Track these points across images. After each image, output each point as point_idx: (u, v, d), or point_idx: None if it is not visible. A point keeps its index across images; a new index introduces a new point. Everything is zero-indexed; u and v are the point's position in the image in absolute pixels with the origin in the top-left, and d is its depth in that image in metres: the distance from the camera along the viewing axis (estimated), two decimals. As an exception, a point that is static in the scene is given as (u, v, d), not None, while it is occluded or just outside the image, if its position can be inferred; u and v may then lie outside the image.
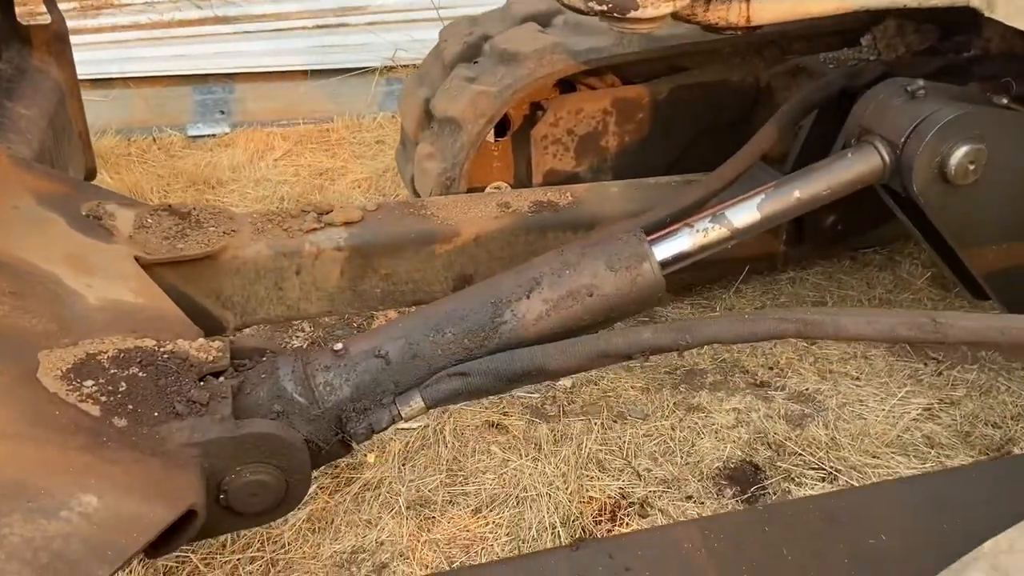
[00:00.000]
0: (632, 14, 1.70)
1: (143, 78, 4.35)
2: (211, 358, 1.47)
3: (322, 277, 2.02)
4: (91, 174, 2.65)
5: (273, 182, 3.62)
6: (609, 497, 2.00)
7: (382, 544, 1.92)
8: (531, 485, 2.04)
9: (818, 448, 2.13)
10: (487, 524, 1.95)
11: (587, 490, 2.02)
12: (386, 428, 1.48)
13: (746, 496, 2.01)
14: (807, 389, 2.35)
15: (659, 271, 1.57)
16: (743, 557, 1.12)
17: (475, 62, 2.55)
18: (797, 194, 1.81)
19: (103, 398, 1.31)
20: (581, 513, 1.96)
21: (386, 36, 4.45)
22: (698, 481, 2.04)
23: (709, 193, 1.94)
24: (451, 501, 2.03)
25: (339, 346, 1.53)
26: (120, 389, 1.33)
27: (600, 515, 1.96)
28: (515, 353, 1.46)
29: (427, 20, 4.33)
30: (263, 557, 1.86)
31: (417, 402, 1.47)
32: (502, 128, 2.54)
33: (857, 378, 2.38)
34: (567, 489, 2.02)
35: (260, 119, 4.18)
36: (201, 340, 1.51)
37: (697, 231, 1.68)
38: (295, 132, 4.07)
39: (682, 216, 1.74)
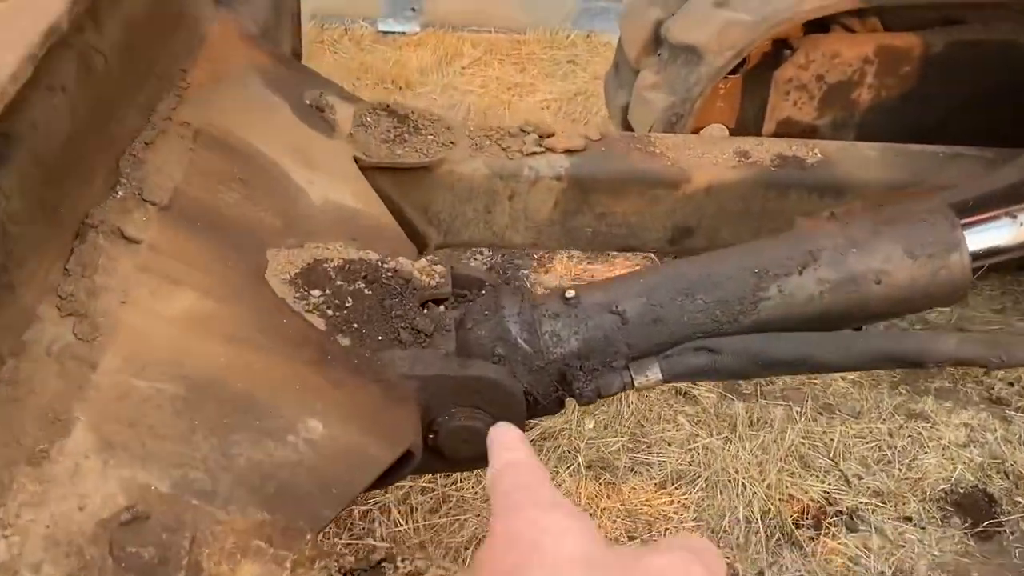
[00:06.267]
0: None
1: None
2: (434, 283, 1.33)
3: (534, 207, 1.84)
4: (296, 59, 2.56)
5: (460, 91, 3.47)
6: (813, 500, 1.79)
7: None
8: (722, 468, 1.85)
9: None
10: (672, 502, 1.79)
11: (787, 486, 1.82)
12: (615, 394, 1.31)
13: (978, 530, 1.75)
14: (1055, 417, 2.02)
15: (969, 266, 1.29)
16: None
17: None
18: None
19: (329, 311, 1.20)
20: (780, 512, 1.76)
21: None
22: (919, 501, 1.80)
23: None
24: (633, 469, 1.87)
25: (571, 293, 1.34)
26: (347, 304, 1.22)
27: (802, 518, 1.76)
28: (781, 337, 1.24)
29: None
30: (435, 491, 1.78)
31: (655, 373, 1.28)
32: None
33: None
34: (764, 481, 1.82)
35: (451, 21, 4.01)
36: (423, 261, 1.38)
37: (1020, 223, 1.37)
38: (485, 39, 3.88)
39: (995, 201, 1.44)
